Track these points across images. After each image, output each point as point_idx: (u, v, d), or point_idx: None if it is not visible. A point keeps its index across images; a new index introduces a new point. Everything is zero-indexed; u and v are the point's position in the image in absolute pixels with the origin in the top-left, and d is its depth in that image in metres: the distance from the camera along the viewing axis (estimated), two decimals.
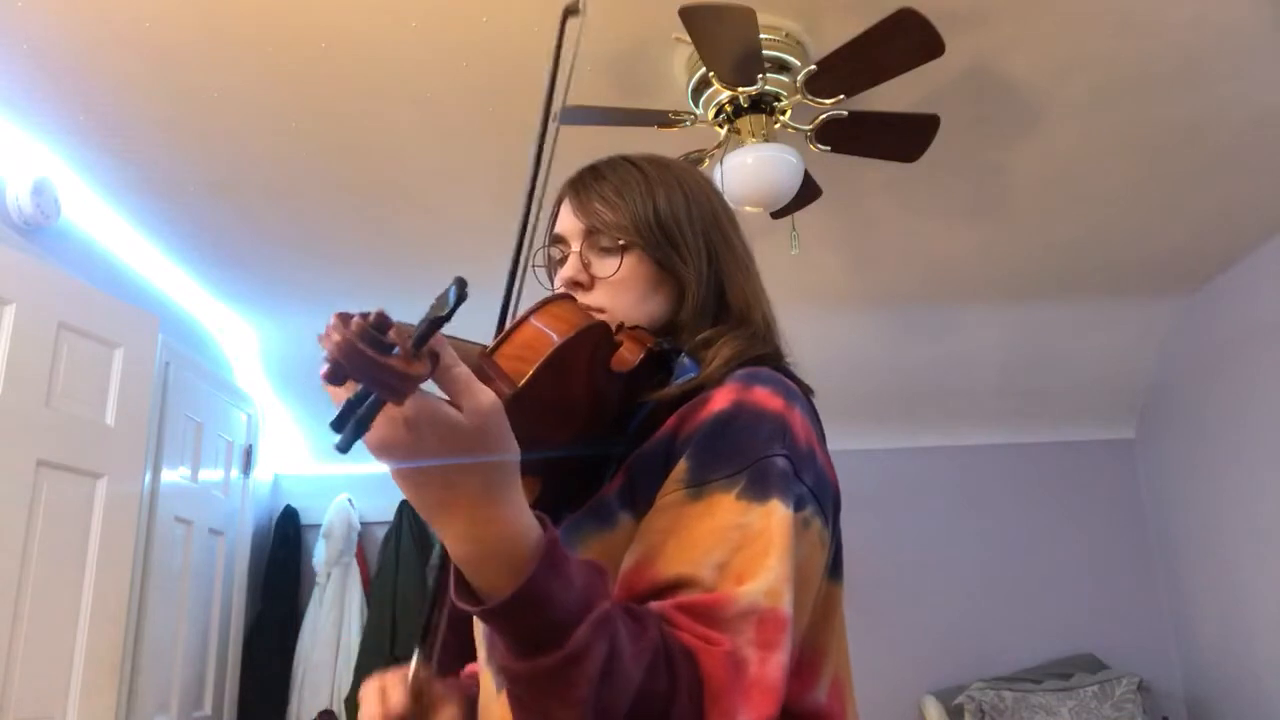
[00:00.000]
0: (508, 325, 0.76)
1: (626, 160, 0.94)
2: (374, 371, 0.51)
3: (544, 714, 0.62)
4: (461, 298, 0.53)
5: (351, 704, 3.81)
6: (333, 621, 4.00)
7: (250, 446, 3.88)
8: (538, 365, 0.71)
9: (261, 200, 2.94)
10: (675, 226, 0.90)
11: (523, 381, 0.70)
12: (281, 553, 4.19)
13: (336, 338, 0.51)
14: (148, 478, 3.02)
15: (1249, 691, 3.60)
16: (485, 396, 0.59)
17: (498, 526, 0.60)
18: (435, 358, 0.55)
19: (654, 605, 0.69)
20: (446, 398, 0.59)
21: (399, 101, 2.46)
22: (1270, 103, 2.56)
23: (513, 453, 0.61)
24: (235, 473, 3.77)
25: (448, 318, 0.53)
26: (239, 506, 3.79)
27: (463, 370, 0.59)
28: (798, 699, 0.76)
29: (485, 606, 0.60)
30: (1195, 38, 2.28)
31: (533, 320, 0.76)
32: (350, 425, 0.53)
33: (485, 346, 0.73)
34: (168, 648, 3.15)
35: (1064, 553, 4.31)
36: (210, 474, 3.55)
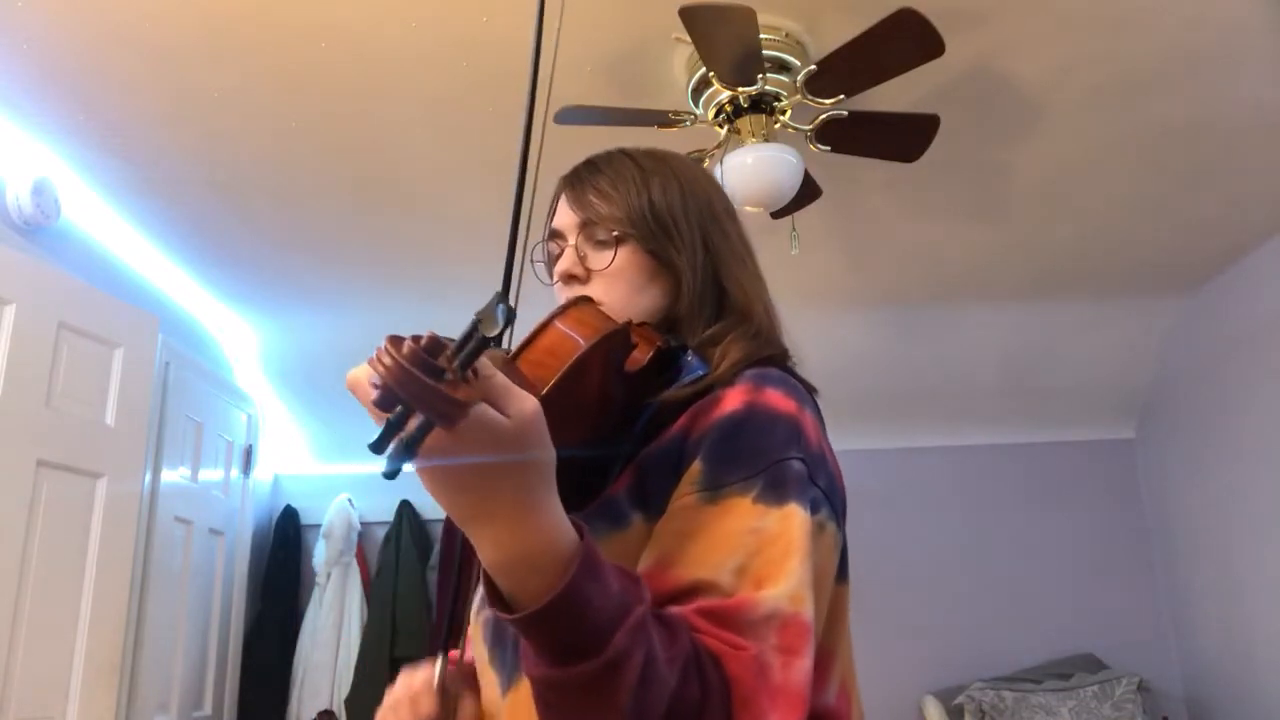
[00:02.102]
0: (530, 330, 0.74)
1: (623, 153, 0.94)
2: (427, 397, 0.50)
3: None
4: (510, 317, 0.52)
5: (352, 704, 3.81)
6: (333, 622, 4.00)
7: (250, 446, 3.88)
8: (563, 371, 0.70)
9: (261, 200, 2.94)
10: (670, 218, 0.89)
11: (548, 387, 0.69)
12: (281, 553, 4.19)
13: (388, 362, 0.49)
14: (148, 478, 3.02)
15: (1249, 691, 3.60)
16: (529, 402, 0.58)
17: (536, 532, 0.59)
18: (478, 376, 0.54)
19: (673, 610, 0.68)
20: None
21: (399, 101, 2.46)
22: (1270, 103, 2.56)
23: (550, 457, 0.60)
24: (235, 473, 3.76)
25: (497, 339, 0.52)
26: (239, 506, 3.79)
27: (501, 379, 0.57)
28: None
29: (523, 614, 0.58)
30: (1195, 38, 2.28)
31: (557, 324, 0.76)
32: (398, 449, 0.51)
33: (507, 351, 0.72)
34: (168, 648, 3.15)
35: (1064, 553, 4.31)
36: (210, 474, 3.55)
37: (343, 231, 3.15)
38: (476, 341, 0.52)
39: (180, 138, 2.60)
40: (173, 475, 3.23)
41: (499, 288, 0.85)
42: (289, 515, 4.29)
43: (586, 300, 0.84)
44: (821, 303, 3.76)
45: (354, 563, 4.15)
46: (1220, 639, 3.81)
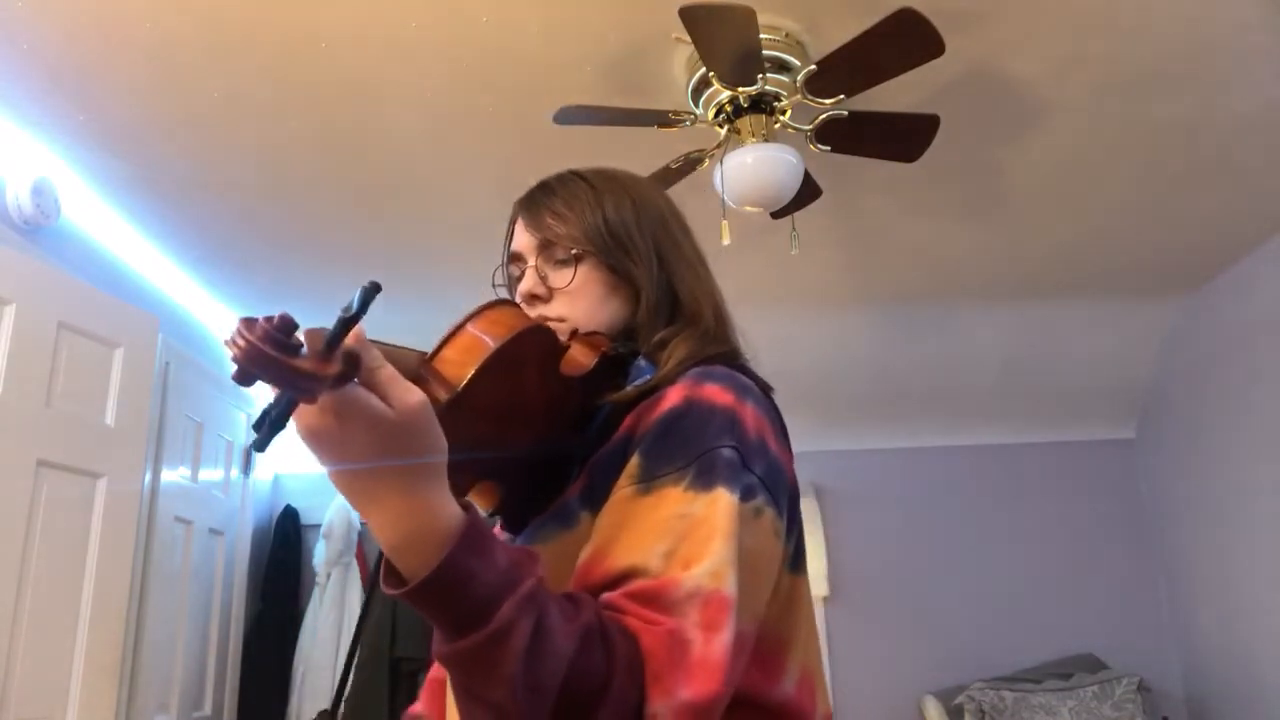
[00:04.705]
0: (446, 331, 0.78)
1: (574, 174, 0.98)
2: (281, 372, 0.52)
3: (478, 695, 0.63)
4: (367, 300, 0.55)
5: (351, 704, 3.80)
6: (333, 622, 4.00)
7: (250, 446, 3.87)
8: (475, 369, 0.73)
9: (261, 200, 2.94)
10: (624, 232, 0.93)
11: (461, 385, 0.72)
12: (281, 553, 4.19)
13: (241, 341, 0.52)
14: (148, 478, 3.02)
15: (1249, 691, 3.60)
16: (412, 394, 0.61)
17: (421, 513, 0.62)
18: (354, 360, 0.56)
19: (606, 596, 0.71)
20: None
21: (399, 101, 2.46)
22: (1270, 103, 2.56)
23: (439, 448, 0.64)
24: (235, 473, 3.77)
25: (355, 319, 0.55)
26: (239, 506, 3.79)
27: (388, 370, 0.61)
28: (765, 691, 0.77)
29: (406, 588, 0.62)
30: (1195, 38, 2.28)
31: (469, 326, 0.78)
32: (266, 425, 0.55)
33: (424, 353, 0.75)
34: (168, 648, 3.15)
35: (1064, 553, 4.31)
36: (210, 474, 3.55)
37: (342, 231, 3.15)
38: (338, 322, 0.55)
39: (180, 138, 2.60)
40: (173, 475, 3.23)
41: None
42: (289, 515, 4.29)
43: (505, 302, 0.86)
44: (821, 303, 3.76)
45: (354, 563, 4.14)
46: (1220, 639, 3.81)
